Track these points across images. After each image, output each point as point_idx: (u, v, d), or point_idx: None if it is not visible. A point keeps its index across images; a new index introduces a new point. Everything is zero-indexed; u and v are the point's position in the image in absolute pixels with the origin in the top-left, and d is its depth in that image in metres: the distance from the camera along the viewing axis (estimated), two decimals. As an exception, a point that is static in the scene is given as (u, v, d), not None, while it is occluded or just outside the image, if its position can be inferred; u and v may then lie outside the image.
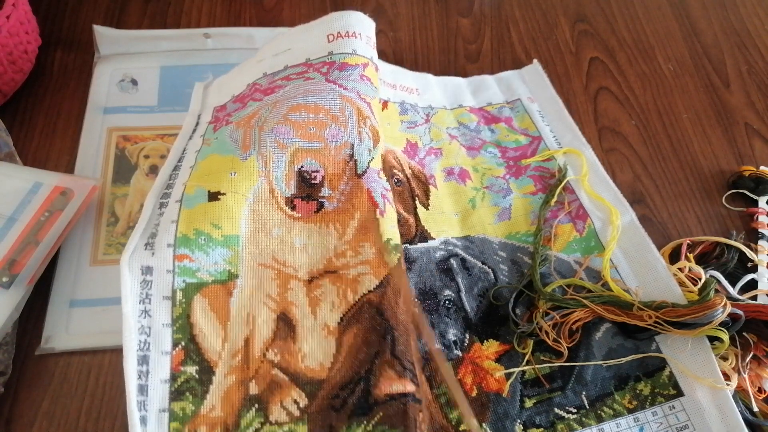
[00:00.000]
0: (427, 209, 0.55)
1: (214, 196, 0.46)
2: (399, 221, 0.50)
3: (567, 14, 0.78)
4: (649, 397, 0.48)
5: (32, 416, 0.49)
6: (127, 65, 0.67)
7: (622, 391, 0.49)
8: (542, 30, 0.76)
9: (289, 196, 0.47)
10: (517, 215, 0.58)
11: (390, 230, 0.47)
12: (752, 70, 0.73)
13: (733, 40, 0.76)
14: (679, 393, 0.48)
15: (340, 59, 0.50)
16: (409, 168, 0.55)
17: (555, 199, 0.58)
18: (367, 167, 0.48)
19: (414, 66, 0.71)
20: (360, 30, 0.53)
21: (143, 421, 0.41)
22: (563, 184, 0.59)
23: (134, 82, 0.66)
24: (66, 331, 0.52)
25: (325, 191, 0.47)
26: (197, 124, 0.56)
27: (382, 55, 0.72)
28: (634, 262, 0.54)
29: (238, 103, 0.54)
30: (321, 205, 0.47)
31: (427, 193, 0.56)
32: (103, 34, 0.67)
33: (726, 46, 0.75)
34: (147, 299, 0.44)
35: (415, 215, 0.54)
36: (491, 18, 0.77)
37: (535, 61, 0.70)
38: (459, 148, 0.60)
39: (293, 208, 0.46)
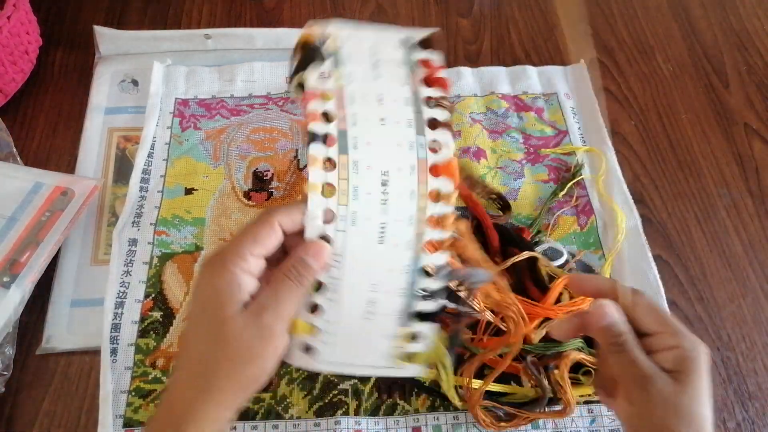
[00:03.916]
0: None
1: (189, 191, 0.60)
2: None
3: (566, 15, 0.78)
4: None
5: (33, 415, 0.49)
6: (128, 66, 0.67)
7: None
8: (542, 31, 0.76)
9: (246, 190, 0.60)
10: (524, 198, 0.61)
11: None
12: (751, 70, 0.73)
13: (732, 41, 0.76)
14: None
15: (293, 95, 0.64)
16: None
17: (565, 192, 0.60)
18: None
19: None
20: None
21: (113, 352, 0.51)
22: (576, 179, 0.61)
23: (135, 83, 0.66)
24: (67, 330, 0.52)
25: (274, 184, 0.61)
26: (160, 109, 0.65)
27: (382, 55, 0.73)
28: (628, 266, 0.56)
29: (203, 109, 0.65)
30: (270, 194, 0.60)
31: None
32: (103, 34, 0.68)
33: (725, 46, 0.75)
34: (130, 263, 0.55)
35: None
36: (491, 19, 0.77)
37: (581, 61, 0.71)
38: (481, 131, 0.65)
39: (249, 198, 0.60)
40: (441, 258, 0.38)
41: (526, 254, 0.51)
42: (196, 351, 0.34)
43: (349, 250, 0.36)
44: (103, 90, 0.66)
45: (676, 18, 0.78)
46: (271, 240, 0.35)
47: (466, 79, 0.69)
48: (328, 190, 0.36)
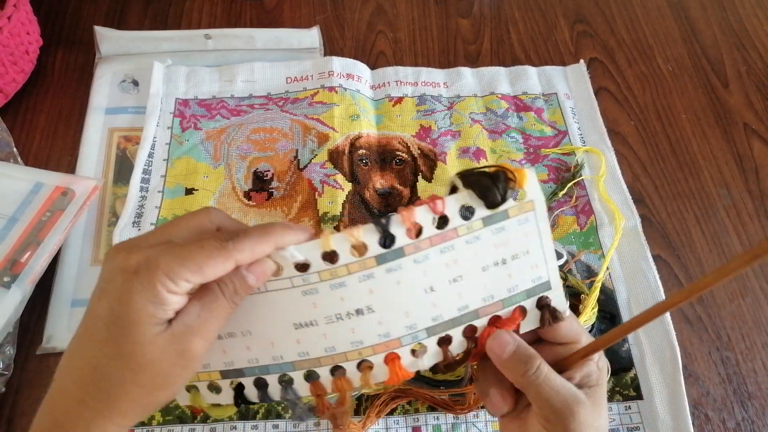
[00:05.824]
0: (430, 182, 0.62)
1: (189, 191, 0.60)
2: (391, 194, 0.61)
3: (566, 15, 0.78)
4: (607, 394, 0.50)
5: (33, 415, 0.49)
6: (128, 66, 0.68)
7: None
8: (542, 31, 0.76)
9: (246, 190, 0.60)
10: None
11: (327, 206, 0.59)
12: (751, 70, 0.73)
13: (731, 41, 0.76)
14: (639, 396, 0.50)
15: (293, 96, 0.67)
16: (418, 148, 0.64)
17: (564, 192, 0.60)
18: (309, 162, 0.62)
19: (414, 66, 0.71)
20: (312, 72, 0.68)
21: None
22: (576, 179, 0.61)
23: (135, 83, 0.67)
24: (67, 330, 0.52)
25: (274, 184, 0.61)
26: (160, 109, 0.65)
27: (382, 55, 0.73)
28: (627, 266, 0.57)
29: (204, 109, 0.66)
30: (270, 194, 0.60)
31: (432, 169, 0.63)
32: (104, 34, 0.68)
33: (725, 46, 0.76)
34: None
35: (413, 188, 0.62)
36: (491, 19, 0.77)
37: (581, 61, 0.71)
38: (480, 131, 0.65)
39: (249, 198, 0.60)
40: (305, 390, 0.35)
41: None
42: (94, 366, 0.30)
43: (275, 296, 0.33)
44: (103, 90, 0.66)
45: (676, 18, 0.78)
46: (218, 273, 0.30)
47: (466, 80, 0.69)
48: (329, 255, 0.32)
